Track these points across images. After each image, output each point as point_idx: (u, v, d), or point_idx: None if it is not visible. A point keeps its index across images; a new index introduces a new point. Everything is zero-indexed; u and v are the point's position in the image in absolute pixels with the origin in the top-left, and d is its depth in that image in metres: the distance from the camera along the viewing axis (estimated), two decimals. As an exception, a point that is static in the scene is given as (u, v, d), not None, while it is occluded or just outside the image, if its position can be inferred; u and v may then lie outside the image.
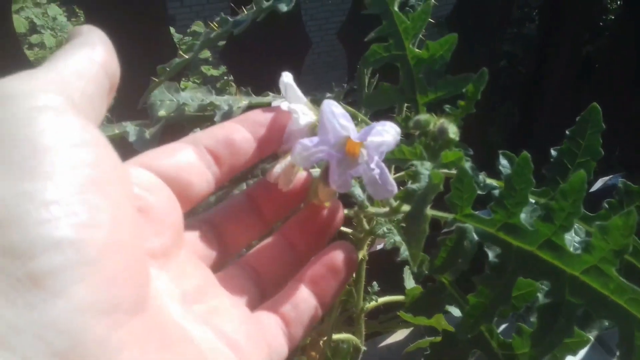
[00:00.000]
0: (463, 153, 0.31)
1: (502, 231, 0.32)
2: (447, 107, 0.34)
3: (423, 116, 0.33)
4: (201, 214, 0.32)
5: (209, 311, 0.27)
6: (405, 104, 0.39)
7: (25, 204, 0.19)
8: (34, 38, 2.59)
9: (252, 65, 0.93)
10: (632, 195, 0.38)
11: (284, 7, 0.42)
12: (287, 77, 0.31)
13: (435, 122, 0.33)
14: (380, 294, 0.51)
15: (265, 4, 0.45)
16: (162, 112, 0.48)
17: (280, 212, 0.33)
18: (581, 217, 0.40)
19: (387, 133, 0.27)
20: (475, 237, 0.32)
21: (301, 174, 0.33)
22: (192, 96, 0.49)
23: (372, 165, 0.28)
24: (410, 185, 0.30)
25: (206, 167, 0.29)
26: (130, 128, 0.46)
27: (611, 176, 1.05)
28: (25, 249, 0.18)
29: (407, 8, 0.48)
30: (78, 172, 0.20)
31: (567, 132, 0.42)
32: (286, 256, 0.33)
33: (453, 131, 0.32)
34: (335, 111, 0.28)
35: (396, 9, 0.36)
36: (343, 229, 0.48)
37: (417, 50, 0.36)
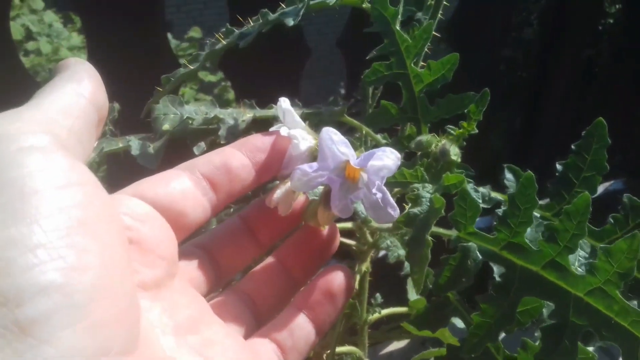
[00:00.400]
0: (465, 174, 0.32)
1: (506, 250, 0.32)
2: (449, 128, 0.35)
3: (425, 137, 0.34)
4: (196, 238, 0.32)
5: (203, 342, 0.27)
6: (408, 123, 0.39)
7: (11, 249, 0.18)
8: (30, 45, 2.59)
9: (250, 72, 0.93)
10: (637, 210, 0.38)
11: (290, 21, 0.42)
12: (284, 103, 0.32)
13: (437, 142, 0.33)
14: (384, 305, 0.52)
15: (272, 17, 0.45)
16: (166, 126, 0.48)
17: (275, 235, 0.33)
18: (589, 233, 0.40)
19: (387, 158, 0.28)
20: (479, 256, 0.32)
21: (300, 198, 0.33)
22: (196, 109, 0.49)
23: (374, 190, 0.28)
24: (412, 209, 0.30)
25: (202, 195, 0.29)
26: (134, 142, 0.46)
27: (612, 182, 1.05)
28: (13, 295, 0.18)
29: (414, 22, 0.48)
30: (65, 214, 0.20)
31: (572, 146, 0.42)
32: (281, 281, 0.33)
33: (454, 152, 0.32)
34: (334, 138, 0.28)
35: (398, 27, 0.36)
36: (346, 241, 0.48)
37: (418, 69, 0.36)
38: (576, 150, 0.42)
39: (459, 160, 0.33)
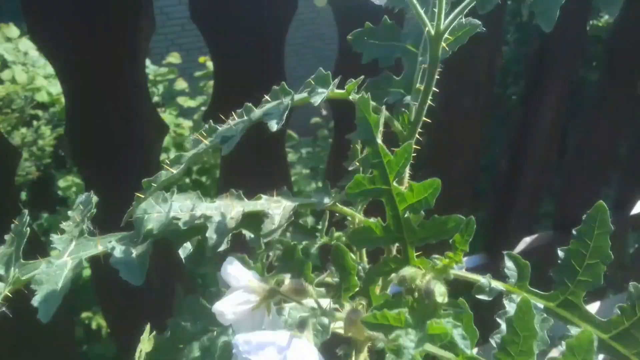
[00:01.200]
0: (453, 316, 0.30)
1: (510, 384, 0.31)
2: (435, 257, 0.33)
3: (408, 271, 0.32)
4: None
5: None
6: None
7: None
8: (5, 74, 2.56)
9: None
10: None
11: (274, 126, 0.40)
12: (224, 269, 0.35)
13: (422, 276, 0.31)
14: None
15: (255, 116, 0.43)
16: (149, 227, 0.46)
17: None
18: (595, 325, 0.39)
19: None
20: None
21: None
22: (181, 205, 0.47)
23: None
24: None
25: None
26: (117, 247, 0.44)
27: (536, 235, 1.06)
28: None
29: (402, 109, 0.47)
30: None
31: (573, 231, 0.39)
32: None
33: (440, 292, 0.30)
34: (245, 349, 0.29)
35: (379, 141, 0.35)
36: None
37: (401, 188, 0.34)
38: (578, 236, 0.39)
39: (446, 299, 0.31)
